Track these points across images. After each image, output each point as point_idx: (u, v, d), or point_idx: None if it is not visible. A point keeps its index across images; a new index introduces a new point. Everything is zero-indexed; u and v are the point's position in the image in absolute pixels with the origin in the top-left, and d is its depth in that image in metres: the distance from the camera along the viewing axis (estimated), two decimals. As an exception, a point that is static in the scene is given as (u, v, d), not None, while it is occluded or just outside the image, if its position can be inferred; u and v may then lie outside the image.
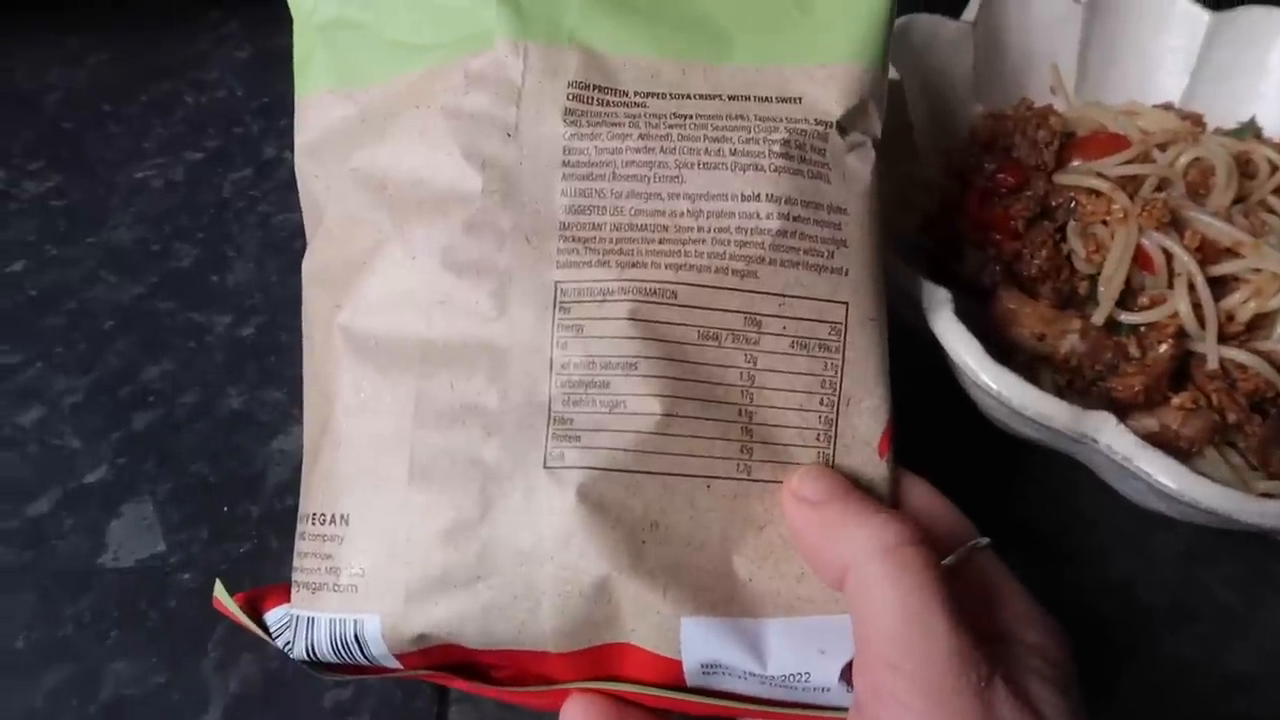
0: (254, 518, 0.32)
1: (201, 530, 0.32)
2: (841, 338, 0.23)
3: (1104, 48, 0.41)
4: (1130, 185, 0.34)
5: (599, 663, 0.22)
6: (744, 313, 0.23)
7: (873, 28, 0.25)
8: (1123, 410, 0.29)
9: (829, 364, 0.23)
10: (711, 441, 0.22)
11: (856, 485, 0.23)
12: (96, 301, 0.38)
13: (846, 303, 0.23)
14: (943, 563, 0.21)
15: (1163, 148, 0.35)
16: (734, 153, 0.23)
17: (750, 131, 0.24)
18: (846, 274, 0.23)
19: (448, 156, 0.23)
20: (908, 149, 0.37)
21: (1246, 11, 0.40)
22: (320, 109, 0.26)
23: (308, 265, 0.26)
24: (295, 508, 0.32)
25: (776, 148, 0.23)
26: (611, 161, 0.23)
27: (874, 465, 0.23)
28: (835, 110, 0.24)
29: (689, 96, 0.24)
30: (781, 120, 0.24)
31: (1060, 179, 0.34)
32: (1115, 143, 0.35)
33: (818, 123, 0.24)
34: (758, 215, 0.23)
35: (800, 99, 0.24)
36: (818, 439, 0.23)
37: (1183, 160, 0.34)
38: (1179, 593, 0.33)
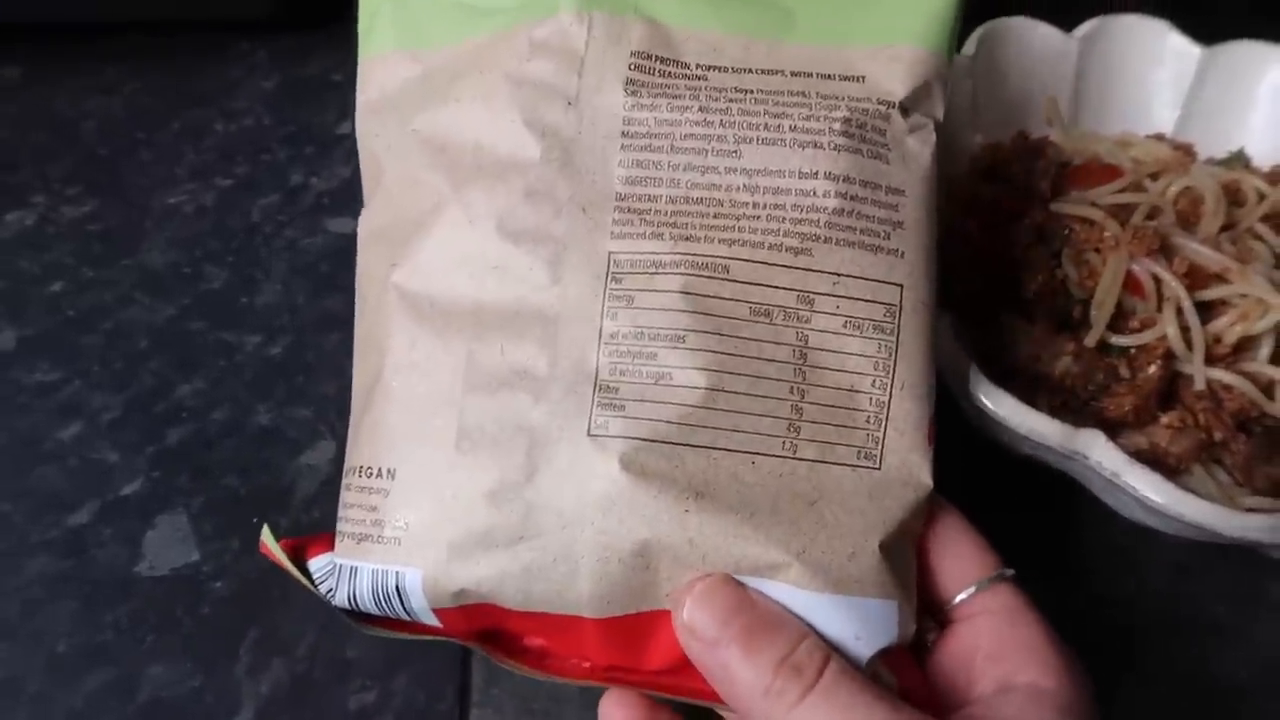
0: (283, 529, 0.34)
1: (233, 541, 0.33)
2: (896, 320, 0.23)
3: (1098, 81, 0.42)
4: (1123, 213, 0.35)
5: (634, 630, 0.22)
6: (797, 290, 0.22)
7: (941, 12, 0.25)
8: (1114, 429, 0.31)
9: (883, 345, 0.23)
10: (758, 418, 0.22)
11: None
12: (131, 322, 0.40)
13: (901, 285, 0.23)
14: (959, 597, 0.22)
15: (1154, 177, 0.36)
16: (794, 129, 0.23)
17: (811, 109, 0.24)
18: (902, 256, 0.23)
19: (509, 123, 0.24)
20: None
21: (1235, 46, 0.41)
22: (385, 68, 0.26)
23: (364, 224, 0.26)
24: (322, 520, 0.34)
25: (837, 126, 0.23)
26: (670, 134, 0.23)
27: (922, 452, 0.23)
28: (899, 91, 0.24)
29: (750, 71, 0.24)
30: (843, 99, 0.24)
31: (1056, 207, 0.35)
32: (1108, 172, 0.37)
33: (880, 102, 0.24)
34: (815, 193, 0.23)
35: (863, 78, 0.24)
36: (868, 421, 0.22)
37: (1173, 189, 0.36)
38: (1171, 606, 0.34)
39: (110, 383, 0.38)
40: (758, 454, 0.22)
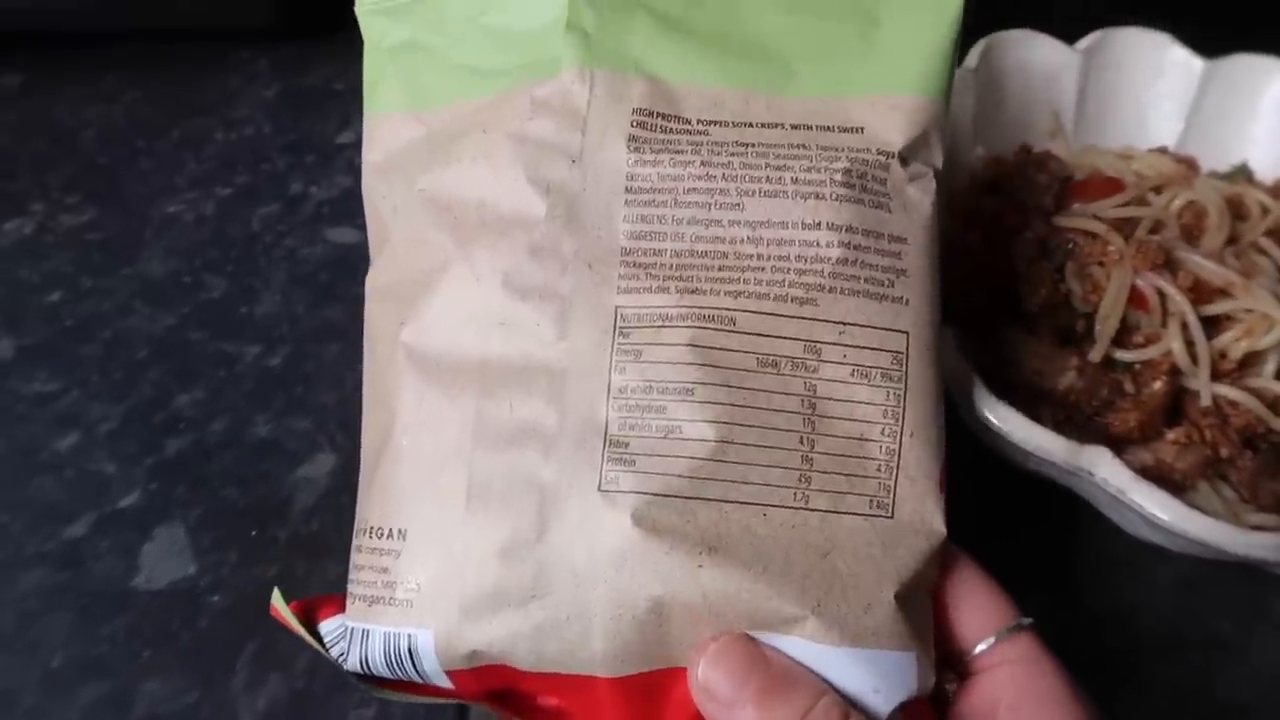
0: (281, 542, 0.33)
1: (230, 554, 0.33)
2: (904, 367, 0.23)
3: (1101, 94, 0.42)
4: (1126, 227, 0.35)
5: (649, 689, 0.22)
6: (803, 340, 0.22)
7: (937, 59, 0.25)
8: (1119, 444, 0.31)
9: (891, 393, 0.23)
10: (769, 469, 0.22)
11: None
12: (131, 331, 0.39)
13: (908, 332, 0.23)
14: (979, 648, 0.22)
15: (1157, 191, 0.36)
16: (795, 181, 0.23)
17: (812, 160, 0.24)
18: (907, 303, 0.23)
19: (513, 181, 0.24)
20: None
21: (1238, 59, 0.41)
22: (389, 128, 0.26)
23: (373, 281, 0.26)
24: (320, 533, 0.34)
25: (838, 176, 0.23)
26: (673, 188, 0.24)
27: (935, 499, 0.23)
28: (897, 140, 0.24)
29: (751, 125, 0.24)
30: (843, 150, 0.24)
31: (1059, 221, 0.35)
32: (1111, 186, 0.37)
33: (879, 153, 0.24)
34: (818, 243, 0.23)
35: (862, 129, 0.24)
36: (879, 469, 0.22)
37: (1176, 203, 0.36)
38: (1175, 622, 0.34)
39: (109, 393, 0.37)
40: (769, 505, 0.22)
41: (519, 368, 0.23)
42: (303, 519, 0.34)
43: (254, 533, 0.34)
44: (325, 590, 0.29)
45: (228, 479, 0.35)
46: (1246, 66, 0.41)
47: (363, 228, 0.43)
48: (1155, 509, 0.26)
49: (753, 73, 0.25)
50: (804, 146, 0.24)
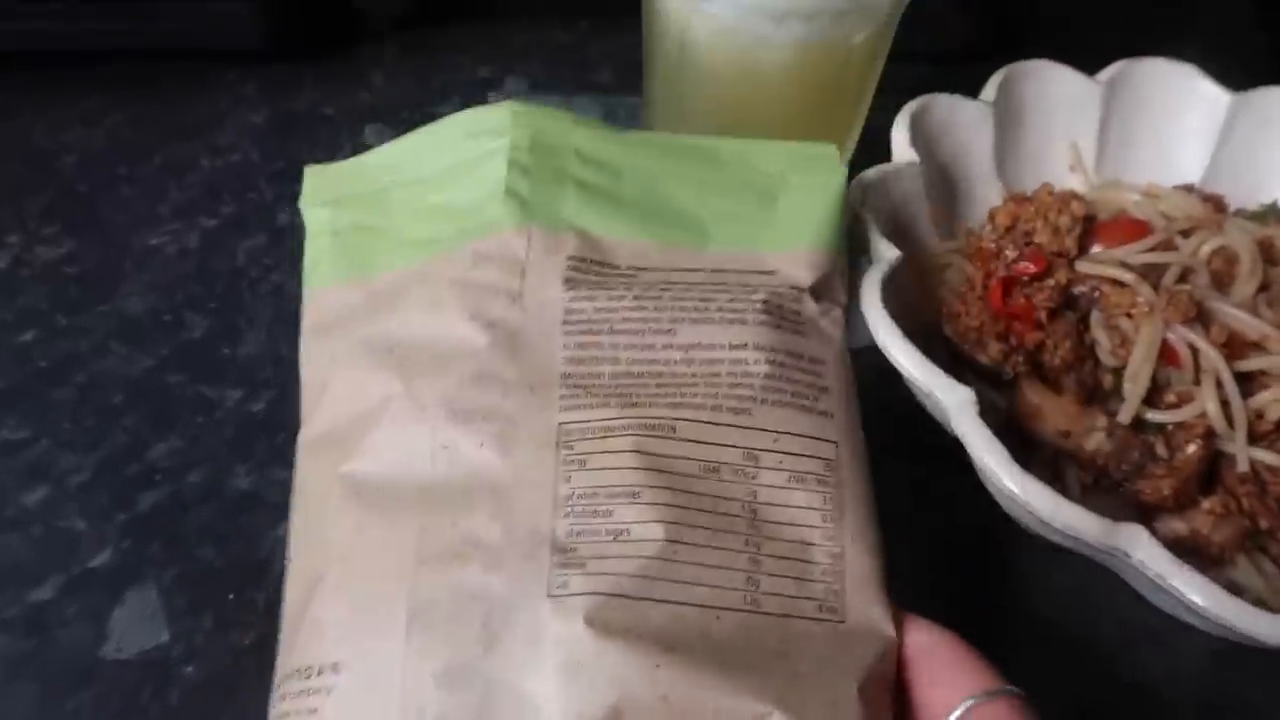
0: (259, 606, 0.31)
1: (205, 619, 0.31)
2: (838, 474, 0.24)
3: (1123, 127, 0.40)
4: (1153, 274, 0.33)
5: None
6: (741, 448, 0.23)
7: (830, 223, 0.28)
8: (1150, 511, 0.29)
9: (828, 498, 0.23)
10: (719, 571, 0.22)
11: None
12: (106, 374, 0.38)
13: (837, 442, 0.24)
14: (952, 716, 0.20)
15: (1185, 234, 0.35)
16: (720, 310, 0.25)
17: (733, 294, 0.26)
18: (832, 416, 0.25)
19: (456, 320, 0.25)
20: (921, 234, 0.37)
21: (1267, 92, 0.39)
22: (330, 297, 0.27)
23: (306, 436, 0.26)
24: (302, 595, 0.32)
25: (758, 305, 0.25)
26: (609, 319, 0.25)
27: (881, 605, 0.23)
28: (806, 279, 0.27)
29: (676, 270, 0.27)
30: (760, 286, 0.26)
31: (1082, 267, 0.33)
32: (1137, 228, 0.35)
33: (792, 288, 0.27)
34: (746, 361, 0.25)
35: (775, 272, 0.27)
36: (824, 574, 0.23)
37: (1206, 248, 0.34)
38: (1206, 692, 0.32)
39: (81, 441, 0.36)
40: (721, 609, 0.22)
41: (462, 488, 0.23)
42: (280, 580, 0.32)
43: (231, 596, 0.32)
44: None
45: (205, 536, 0.33)
46: (1276, 100, 0.39)
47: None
48: (1197, 596, 0.24)
49: (673, 233, 0.27)
50: (725, 285, 0.26)
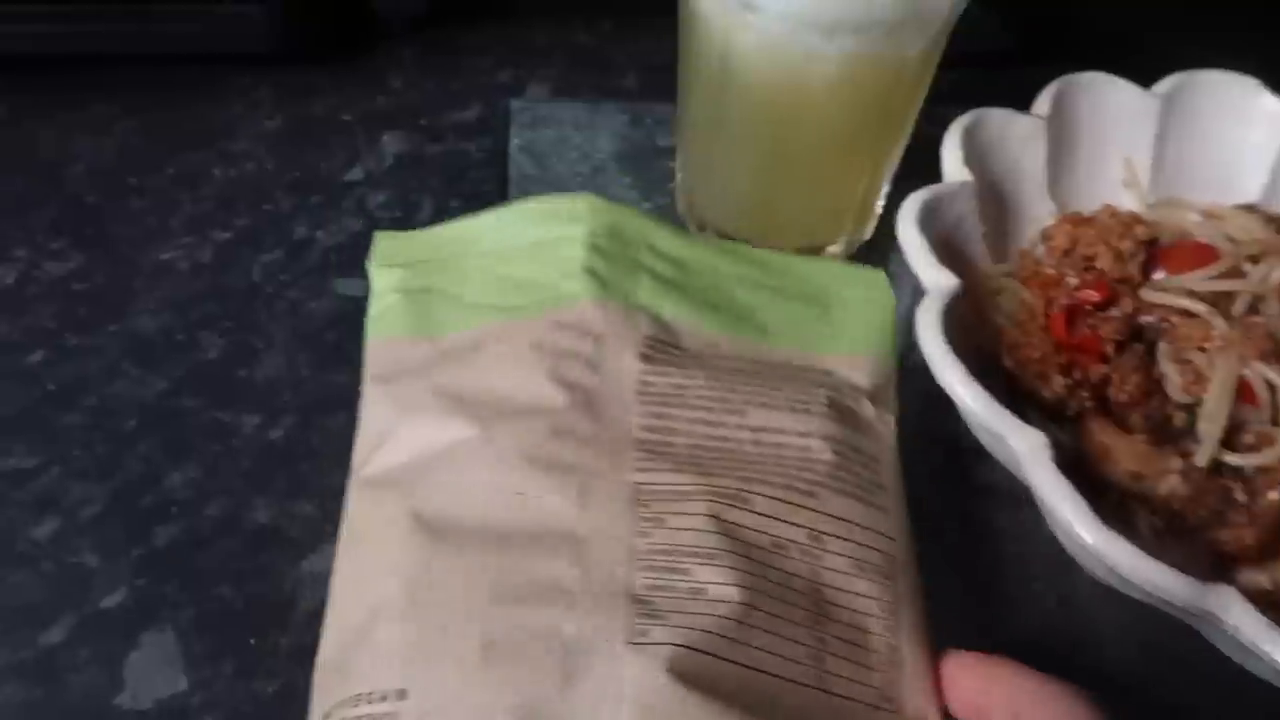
0: (282, 651, 0.30)
1: (225, 665, 0.30)
2: (893, 567, 0.24)
3: (1181, 142, 0.39)
4: (1222, 302, 0.31)
5: None
6: (807, 528, 0.24)
7: (880, 330, 0.30)
8: (1229, 560, 0.27)
9: (887, 589, 0.24)
10: (788, 643, 0.22)
11: None
12: (118, 398, 0.36)
13: (895, 538, 0.25)
14: None
15: (1254, 260, 0.33)
16: (788, 399, 0.26)
17: (799, 386, 0.27)
18: (888, 513, 0.25)
19: (532, 378, 0.26)
20: (973, 256, 0.35)
21: (1332, 107, 0.38)
22: (396, 349, 0.28)
23: (365, 475, 0.26)
24: (327, 639, 0.30)
25: (822, 399, 0.27)
26: (683, 395, 0.26)
27: (934, 705, 0.23)
28: (865, 383, 0.28)
29: (742, 358, 0.28)
30: (823, 384, 0.27)
31: (1149, 296, 0.32)
32: (1202, 253, 0.33)
33: (852, 388, 0.28)
34: (811, 449, 0.25)
35: (834, 373, 0.28)
36: (882, 663, 0.23)
37: (1276, 276, 0.32)
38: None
39: (93, 470, 0.34)
40: (792, 682, 0.22)
41: (538, 533, 0.23)
42: (306, 623, 0.30)
43: (252, 640, 0.30)
44: None
45: (223, 574, 0.31)
46: (1342, 116, 0.37)
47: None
48: (1296, 666, 0.22)
49: (737, 326, 0.29)
50: (791, 377, 0.27)
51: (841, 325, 0.29)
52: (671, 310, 0.28)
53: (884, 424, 0.28)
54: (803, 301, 0.30)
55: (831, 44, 0.31)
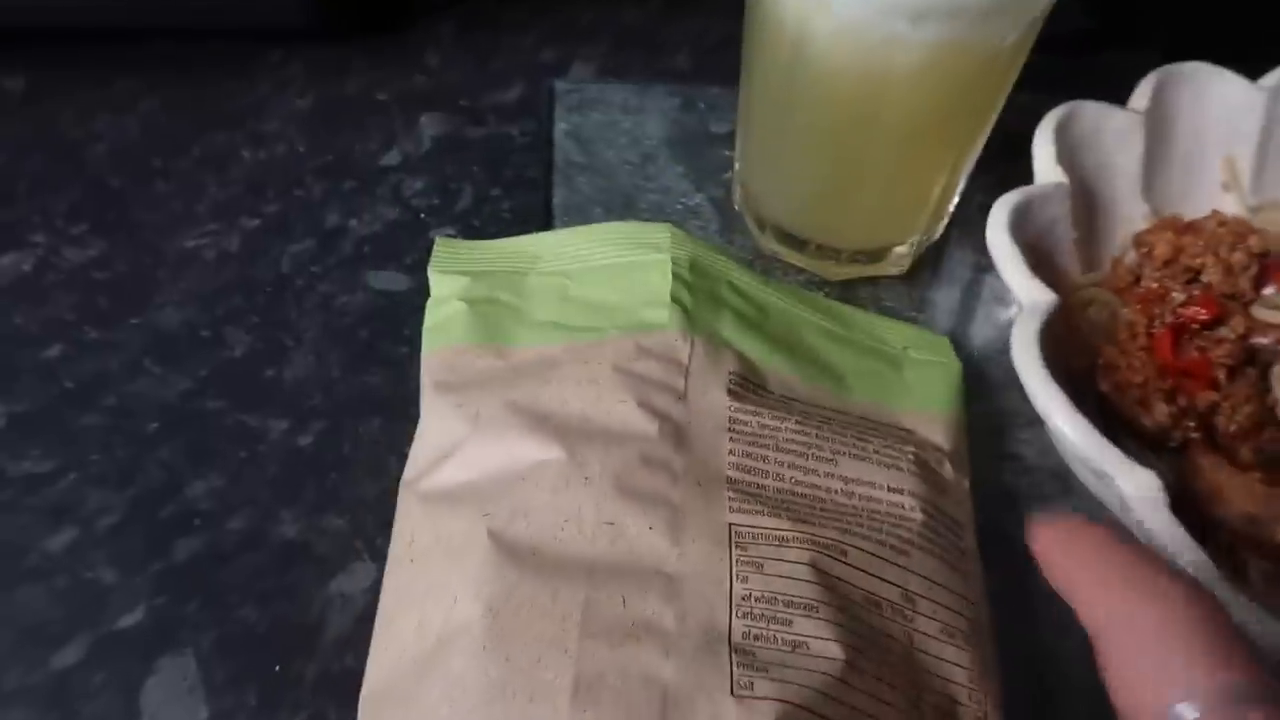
0: (309, 680, 0.28)
1: (249, 694, 0.28)
2: (979, 634, 0.23)
3: (1289, 141, 0.35)
4: (1343, 323, 0.28)
5: None
6: (900, 587, 0.23)
7: (953, 394, 0.30)
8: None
9: (974, 659, 0.23)
10: (886, 707, 0.21)
11: None
12: (139, 398, 0.34)
13: (979, 605, 0.24)
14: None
15: (1378, 275, 0.30)
16: (877, 452, 0.25)
17: (886, 440, 0.26)
18: (970, 578, 0.24)
19: (620, 402, 0.25)
20: (1062, 264, 0.32)
21: None
22: (461, 356, 0.27)
23: (426, 487, 0.25)
24: (356, 669, 0.27)
25: (910, 456, 0.26)
26: (773, 436, 0.25)
27: None
28: (945, 444, 0.27)
29: (824, 407, 0.27)
30: (908, 440, 0.27)
31: (1260, 314, 0.29)
32: (1320, 267, 0.30)
33: (935, 449, 0.27)
34: (903, 506, 0.24)
35: (913, 431, 0.28)
36: None
37: (1404, 294, 0.29)
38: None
39: (112, 476, 0.32)
40: None
41: (629, 567, 0.22)
42: (335, 650, 0.28)
43: (277, 667, 0.28)
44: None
45: (247, 594, 0.29)
46: None
47: (410, 271, 0.38)
48: None
49: (816, 373, 0.28)
50: (877, 430, 0.27)
51: (915, 384, 0.29)
52: (754, 349, 0.27)
53: (963, 490, 0.27)
54: (875, 356, 0.29)
55: (917, 31, 0.28)
